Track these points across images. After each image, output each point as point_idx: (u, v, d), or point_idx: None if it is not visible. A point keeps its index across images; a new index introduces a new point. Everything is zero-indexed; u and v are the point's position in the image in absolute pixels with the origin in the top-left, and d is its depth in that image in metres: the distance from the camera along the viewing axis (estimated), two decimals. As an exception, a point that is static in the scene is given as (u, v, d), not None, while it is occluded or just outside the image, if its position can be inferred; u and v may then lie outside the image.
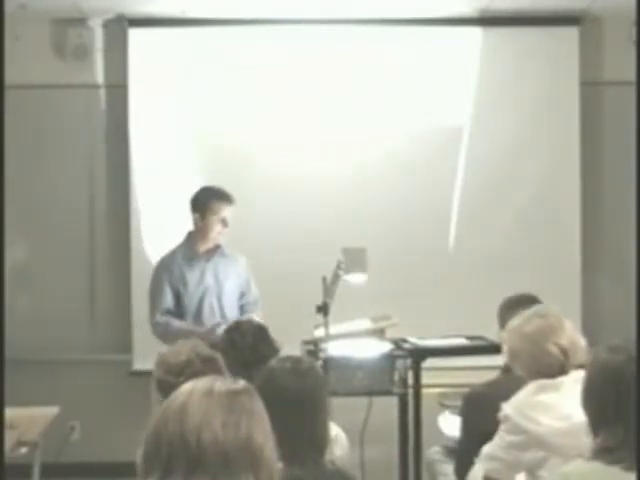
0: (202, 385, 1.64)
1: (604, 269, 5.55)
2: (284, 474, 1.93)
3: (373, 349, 4.10)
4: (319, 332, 4.07)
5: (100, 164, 5.50)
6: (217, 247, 4.51)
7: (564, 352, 2.84)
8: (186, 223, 5.28)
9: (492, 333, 3.79)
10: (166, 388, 2.41)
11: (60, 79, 5.41)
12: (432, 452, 4.03)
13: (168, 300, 4.44)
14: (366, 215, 5.33)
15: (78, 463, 5.24)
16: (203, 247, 4.50)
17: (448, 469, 3.69)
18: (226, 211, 4.43)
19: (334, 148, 5.39)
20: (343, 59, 5.38)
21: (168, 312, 4.42)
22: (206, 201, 4.45)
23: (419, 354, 4.15)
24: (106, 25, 5.43)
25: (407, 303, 4.99)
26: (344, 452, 2.95)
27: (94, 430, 5.35)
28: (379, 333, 4.24)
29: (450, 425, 3.90)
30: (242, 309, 4.56)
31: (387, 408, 4.17)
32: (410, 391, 4.11)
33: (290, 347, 3.51)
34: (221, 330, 3.76)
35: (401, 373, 4.04)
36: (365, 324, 4.29)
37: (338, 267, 4.13)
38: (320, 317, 4.03)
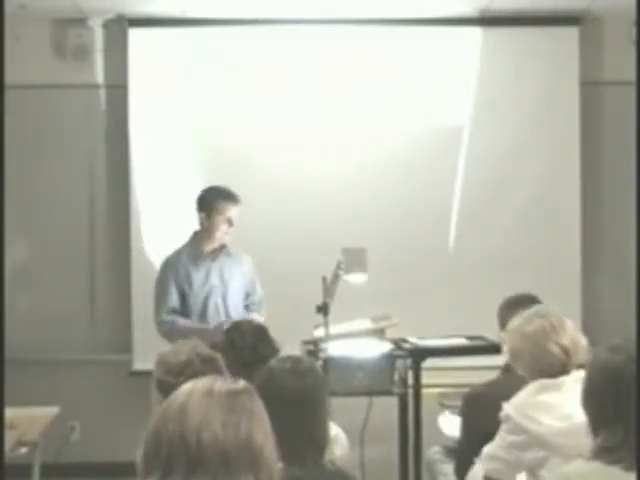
0: (202, 385, 1.64)
1: (604, 269, 5.55)
2: (284, 474, 1.93)
3: (373, 349, 4.10)
4: (319, 332, 4.07)
5: (100, 164, 5.50)
6: (222, 247, 4.52)
7: (565, 352, 2.84)
8: (186, 223, 5.28)
9: (492, 333, 3.79)
10: (166, 388, 2.41)
11: (60, 79, 5.41)
12: (432, 452, 4.03)
13: (174, 299, 4.44)
14: (366, 215, 5.33)
15: (78, 463, 5.24)
16: (209, 247, 4.51)
17: (448, 469, 3.69)
18: (232, 211, 4.43)
19: (334, 148, 5.39)
20: (343, 59, 5.38)
21: (173, 311, 4.43)
22: (212, 201, 4.45)
23: (419, 354, 4.16)
24: (106, 25, 5.43)
25: (407, 303, 5.00)
26: (344, 452, 2.95)
27: (94, 430, 5.35)
28: (379, 333, 4.24)
29: (450, 425, 3.90)
30: (247, 309, 4.56)
31: (387, 408, 4.17)
32: (410, 391, 4.11)
33: (290, 347, 3.51)
34: None
35: (401, 373, 4.04)
36: (365, 324, 4.29)
37: (338, 267, 4.13)
38: (320, 317, 4.03)
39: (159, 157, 5.40)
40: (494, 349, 3.75)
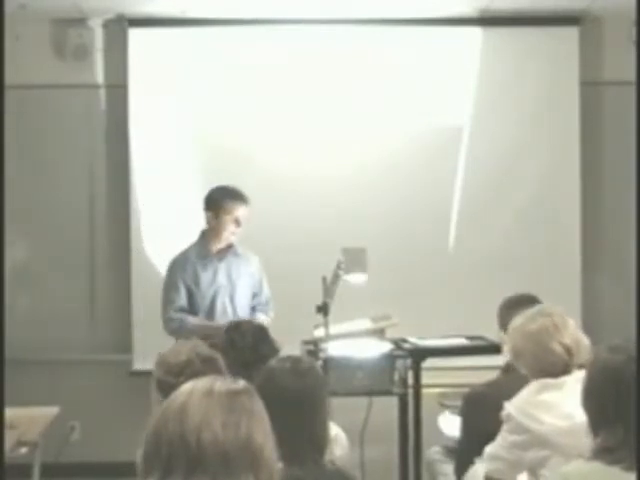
0: (202, 385, 1.64)
1: (604, 269, 5.55)
2: (284, 474, 1.93)
3: (373, 349, 4.10)
4: (319, 332, 4.07)
5: (100, 164, 5.50)
6: (230, 246, 4.51)
7: (568, 351, 2.84)
8: (186, 223, 5.29)
9: (492, 333, 3.78)
10: (166, 388, 2.41)
11: (60, 79, 5.41)
12: (432, 452, 4.03)
13: (182, 298, 4.44)
14: (366, 215, 5.33)
15: (78, 463, 5.24)
16: (216, 246, 4.50)
17: (448, 469, 3.69)
18: (240, 211, 4.43)
19: (334, 148, 5.39)
20: (343, 59, 5.38)
21: (181, 310, 4.43)
22: (220, 200, 4.44)
23: (419, 354, 4.16)
24: (106, 25, 5.43)
25: (407, 303, 5.00)
26: (344, 452, 2.95)
27: (94, 430, 5.35)
28: (379, 333, 4.24)
29: (450, 425, 3.90)
30: (254, 309, 4.56)
31: (387, 408, 4.17)
32: (410, 391, 4.11)
33: (290, 347, 3.51)
34: None
35: (401, 373, 4.04)
36: (365, 324, 4.29)
37: (338, 267, 4.13)
38: (320, 317, 4.03)
39: (159, 157, 5.40)
40: (494, 349, 3.75)
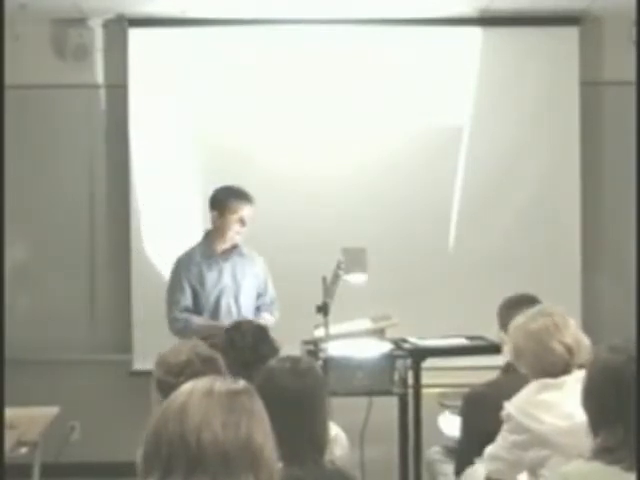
0: (202, 385, 1.64)
1: (604, 269, 5.55)
2: (284, 474, 1.92)
3: (373, 349, 4.10)
4: (319, 332, 4.07)
5: (100, 164, 5.50)
6: (235, 246, 4.51)
7: (569, 350, 2.84)
8: (186, 223, 5.29)
9: (492, 333, 3.78)
10: (166, 388, 2.41)
11: (60, 79, 5.41)
12: (432, 452, 4.03)
13: (187, 298, 4.44)
14: (366, 215, 5.33)
15: (78, 463, 5.24)
16: (221, 246, 4.50)
17: (448, 469, 3.69)
18: (245, 210, 4.42)
19: (334, 148, 5.39)
20: (343, 59, 5.38)
21: (186, 310, 4.43)
22: (225, 200, 4.44)
23: (419, 354, 4.16)
24: (106, 25, 5.43)
25: (407, 303, 5.00)
26: (344, 452, 2.95)
27: (94, 430, 5.35)
28: (379, 333, 4.24)
29: (450, 425, 3.90)
30: (258, 309, 4.56)
31: (387, 408, 4.17)
32: (410, 391, 4.11)
33: (290, 347, 3.51)
34: None
35: (401, 373, 4.04)
36: (365, 324, 4.29)
37: (338, 267, 4.13)
38: (320, 317, 4.03)
39: (159, 157, 5.40)
40: (494, 349, 3.75)
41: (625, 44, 5.38)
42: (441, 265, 5.41)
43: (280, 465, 1.85)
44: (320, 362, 3.83)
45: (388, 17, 5.33)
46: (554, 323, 2.87)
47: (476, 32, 5.43)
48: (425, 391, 4.17)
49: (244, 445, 1.57)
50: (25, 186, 5.42)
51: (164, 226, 5.34)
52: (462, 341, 4.38)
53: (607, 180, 5.57)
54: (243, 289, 4.51)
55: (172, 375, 2.65)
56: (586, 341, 2.90)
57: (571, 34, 5.44)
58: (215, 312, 4.45)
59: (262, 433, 1.61)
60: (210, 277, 4.46)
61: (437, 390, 4.58)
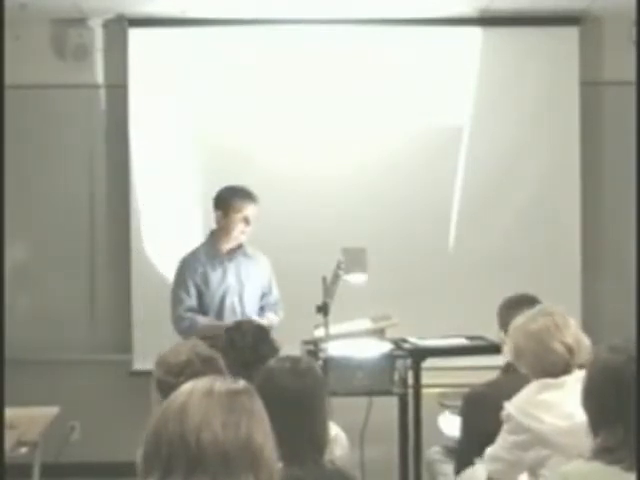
0: (202, 385, 1.64)
1: (604, 269, 5.55)
2: (284, 474, 1.93)
3: (373, 349, 4.10)
4: (319, 332, 4.07)
5: (100, 164, 5.50)
6: (239, 246, 4.51)
7: (569, 350, 2.84)
8: (186, 223, 5.29)
9: (492, 333, 3.79)
10: (166, 388, 2.41)
11: (60, 79, 5.41)
12: (432, 452, 4.03)
13: (192, 298, 4.43)
14: (366, 215, 5.33)
15: (78, 463, 5.24)
16: (226, 246, 4.50)
17: (448, 469, 3.69)
18: (249, 209, 4.42)
19: (334, 148, 5.39)
20: (343, 59, 5.38)
21: (191, 310, 4.43)
22: (229, 199, 4.44)
23: (419, 354, 4.16)
24: (106, 25, 5.43)
25: (407, 303, 4.99)
26: (344, 452, 2.95)
27: (94, 430, 5.35)
28: (379, 333, 4.24)
29: (450, 425, 3.90)
30: (262, 309, 4.56)
31: (387, 408, 4.17)
32: (410, 391, 4.11)
33: (290, 347, 3.51)
34: None
35: (401, 373, 4.04)
36: (365, 324, 4.29)
37: (338, 267, 4.13)
38: (320, 317, 4.03)
39: (159, 157, 5.40)
40: (494, 349, 3.75)
41: (625, 44, 5.38)
42: (441, 265, 5.40)
43: (280, 465, 1.85)
44: (320, 362, 3.83)
45: (388, 17, 5.33)
46: (554, 323, 2.88)
47: (476, 32, 5.43)
48: (425, 391, 4.17)
49: (244, 445, 1.57)
50: (25, 186, 5.42)
51: (164, 226, 5.34)
52: (462, 341, 4.38)
53: (607, 180, 5.57)
54: (247, 289, 4.51)
55: (172, 375, 2.65)
56: (586, 341, 2.90)
57: (571, 34, 5.44)
58: (219, 312, 4.45)
59: (262, 433, 1.61)
60: (214, 277, 4.46)
61: (437, 390, 4.58)
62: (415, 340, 4.28)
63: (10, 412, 3.52)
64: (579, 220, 5.45)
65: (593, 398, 2.17)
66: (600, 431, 2.12)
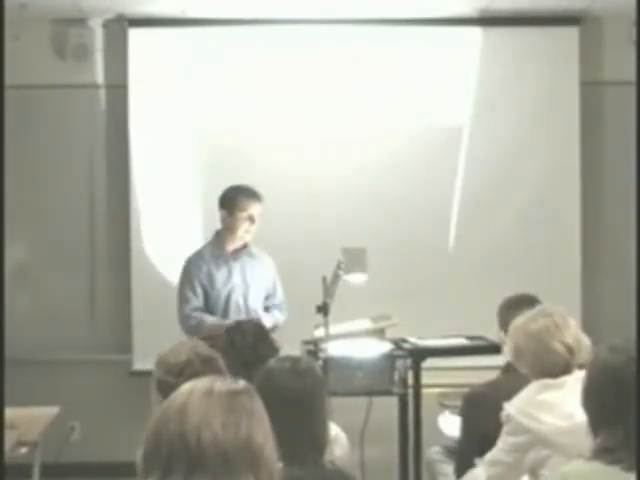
0: (202, 385, 1.64)
1: (604, 269, 5.55)
2: (284, 474, 1.92)
3: (373, 349, 4.10)
4: (319, 332, 4.07)
5: (100, 164, 5.50)
6: (245, 246, 4.52)
7: (569, 350, 2.84)
8: (186, 223, 5.29)
9: (492, 333, 3.79)
10: (166, 388, 2.41)
11: (60, 79, 5.41)
12: (432, 452, 4.02)
13: (198, 298, 4.43)
14: (366, 215, 5.33)
15: (78, 463, 5.24)
16: (231, 246, 4.50)
17: (448, 469, 3.69)
18: (254, 208, 4.43)
19: (334, 148, 5.39)
20: (343, 59, 5.38)
21: (197, 310, 4.43)
22: (234, 198, 4.45)
23: (419, 354, 4.16)
24: (106, 25, 5.43)
25: (407, 303, 4.99)
26: (344, 452, 2.95)
27: (94, 430, 5.35)
28: (379, 333, 4.24)
29: (450, 425, 3.90)
30: (267, 310, 4.56)
31: (387, 408, 4.17)
32: (410, 391, 4.11)
33: (290, 347, 3.51)
34: None
35: (401, 373, 4.04)
36: (365, 324, 4.29)
37: (338, 267, 4.13)
38: (320, 317, 4.03)
39: (159, 157, 5.40)
40: (494, 349, 3.75)
41: (625, 44, 5.38)
42: (441, 265, 5.40)
43: (280, 465, 1.85)
44: (320, 362, 3.83)
45: (388, 17, 5.33)
46: (554, 323, 2.88)
47: (476, 32, 5.43)
48: (425, 391, 4.17)
49: (244, 445, 1.57)
50: (25, 186, 5.42)
51: (164, 226, 5.34)
52: (462, 341, 4.38)
53: (607, 180, 5.57)
54: (252, 289, 4.51)
55: (172, 375, 2.64)
56: (586, 341, 2.90)
57: (571, 34, 5.43)
58: (225, 311, 4.45)
59: (262, 433, 1.61)
60: (220, 276, 4.46)
61: (437, 390, 4.58)
62: (415, 340, 4.28)
63: (10, 412, 3.52)
64: (579, 220, 5.44)
65: (593, 398, 2.17)
66: (600, 431, 2.12)
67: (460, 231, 5.44)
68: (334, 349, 4.01)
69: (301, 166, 5.37)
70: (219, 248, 4.50)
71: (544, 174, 5.46)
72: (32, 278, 5.48)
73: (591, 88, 5.51)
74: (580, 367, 2.78)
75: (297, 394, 2.33)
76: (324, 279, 4.09)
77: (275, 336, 3.54)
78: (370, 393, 4.10)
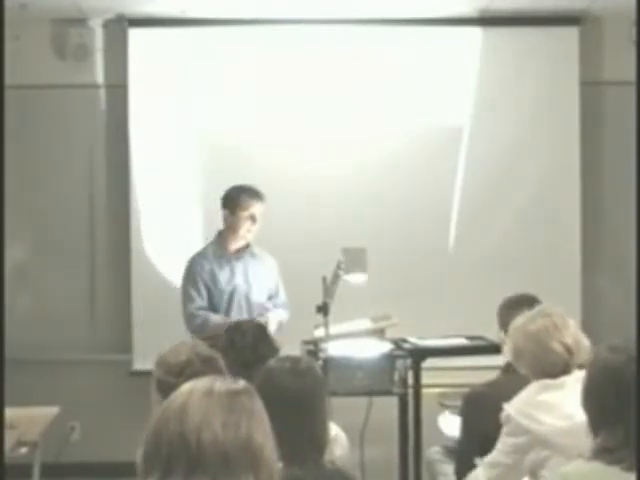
0: (202, 385, 1.64)
1: (604, 269, 5.55)
2: (284, 474, 1.92)
3: (373, 349, 4.10)
4: (319, 332, 4.07)
5: (100, 164, 5.50)
6: (247, 246, 4.52)
7: (569, 350, 2.84)
8: (186, 223, 5.29)
9: (492, 333, 3.79)
10: (166, 388, 2.41)
11: (60, 79, 5.41)
12: (432, 452, 4.02)
13: (202, 297, 4.43)
14: (366, 215, 5.33)
15: (78, 463, 5.24)
16: (233, 245, 4.51)
17: (448, 469, 3.69)
18: (255, 207, 4.45)
19: (334, 148, 5.39)
20: (343, 59, 5.38)
21: (201, 309, 4.43)
22: (236, 197, 4.46)
23: (419, 354, 4.16)
24: (106, 25, 5.43)
25: (407, 303, 4.99)
26: (344, 452, 2.95)
27: (94, 430, 5.35)
28: (379, 333, 4.24)
29: (450, 425, 3.90)
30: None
31: (387, 408, 4.17)
32: (410, 391, 4.11)
33: (290, 347, 3.52)
34: None
35: (401, 373, 4.04)
36: (365, 324, 4.29)
37: (338, 267, 4.13)
38: (320, 317, 4.03)
39: (159, 157, 5.40)
40: (494, 349, 3.75)
41: (625, 44, 5.38)
42: (441, 265, 5.40)
43: (280, 465, 1.85)
44: (320, 362, 3.83)
45: (388, 17, 5.33)
46: (553, 324, 2.88)
47: (476, 32, 5.43)
48: (425, 391, 4.17)
49: (244, 445, 1.57)
50: (25, 186, 5.42)
51: (164, 226, 5.34)
52: (462, 341, 4.38)
53: (607, 180, 5.57)
54: (254, 289, 4.51)
55: (172, 375, 2.64)
56: (585, 341, 2.90)
57: (571, 34, 5.43)
58: (227, 311, 4.46)
59: (262, 433, 1.61)
60: (222, 276, 4.47)
61: (437, 390, 4.58)
62: (415, 340, 4.28)
63: (10, 412, 3.52)
64: (579, 220, 5.44)
65: (593, 398, 2.17)
66: (600, 431, 2.12)
67: (460, 231, 5.44)
68: (334, 349, 4.01)
69: (301, 166, 5.37)
70: (221, 248, 4.51)
71: (544, 174, 5.46)
72: (32, 278, 5.48)
73: (591, 88, 5.51)
74: (579, 367, 2.78)
75: (297, 394, 2.33)
76: (324, 279, 4.09)
77: (275, 336, 3.54)
78: (370, 393, 4.10)
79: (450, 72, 5.43)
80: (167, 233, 5.33)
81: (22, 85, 5.31)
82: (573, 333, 2.89)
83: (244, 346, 3.28)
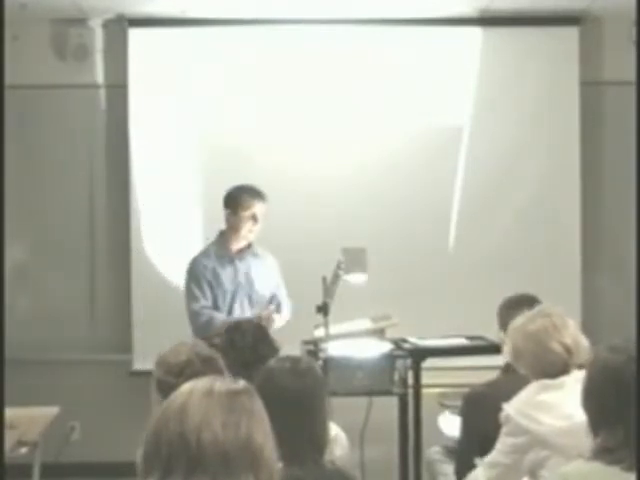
0: (202, 385, 1.64)
1: (604, 269, 5.55)
2: (284, 474, 1.92)
3: (373, 349, 4.10)
4: (319, 332, 4.07)
5: (100, 164, 5.50)
6: (249, 246, 4.53)
7: (568, 350, 2.84)
8: (186, 223, 5.29)
9: (492, 333, 3.79)
10: (166, 388, 2.41)
11: (60, 79, 5.41)
12: (432, 452, 4.03)
13: (206, 297, 4.43)
14: (366, 215, 5.33)
15: (78, 463, 5.25)
16: (235, 245, 4.51)
17: (448, 469, 3.69)
18: (257, 207, 4.45)
19: (334, 148, 5.39)
20: (343, 59, 5.38)
21: (205, 308, 4.43)
22: (238, 197, 4.47)
23: (419, 354, 4.16)
24: (106, 25, 5.43)
25: (407, 303, 4.99)
26: (344, 452, 2.95)
27: (94, 430, 5.35)
28: (379, 333, 4.24)
29: (450, 425, 3.90)
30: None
31: (387, 408, 4.17)
32: (410, 391, 4.11)
33: (290, 347, 3.51)
34: None
35: (401, 373, 4.04)
36: (365, 324, 4.29)
37: (338, 267, 4.13)
38: (320, 317, 4.03)
39: (159, 157, 5.40)
40: (494, 349, 3.75)
41: (625, 44, 5.38)
42: (441, 265, 5.40)
43: (280, 465, 1.85)
44: (320, 362, 3.83)
45: (388, 17, 5.33)
46: (552, 324, 2.88)
47: (476, 32, 5.43)
48: (425, 391, 4.17)
49: (244, 445, 1.57)
50: (25, 186, 5.42)
51: (164, 226, 5.34)
52: (462, 341, 4.38)
53: (607, 180, 5.57)
54: (256, 288, 4.52)
55: (172, 375, 2.64)
56: (585, 342, 2.90)
57: (571, 34, 5.43)
58: (230, 311, 4.46)
59: (262, 433, 1.61)
60: (225, 276, 4.47)
61: (437, 390, 4.58)
62: (415, 340, 4.28)
63: (10, 412, 3.52)
64: (579, 220, 5.45)
65: (593, 398, 2.17)
66: (600, 431, 2.12)
67: (460, 231, 5.44)
68: (334, 349, 4.01)
69: (301, 166, 5.37)
70: (223, 248, 4.51)
71: (544, 174, 5.46)
72: (32, 278, 5.48)
73: (591, 88, 5.51)
74: (579, 367, 2.78)
75: (297, 394, 2.33)
76: (324, 279, 4.09)
77: (275, 336, 3.54)
78: (370, 393, 4.10)
79: (450, 72, 5.43)
80: (167, 233, 5.33)
81: (22, 85, 5.31)
82: (572, 333, 2.89)
83: (244, 346, 3.28)
